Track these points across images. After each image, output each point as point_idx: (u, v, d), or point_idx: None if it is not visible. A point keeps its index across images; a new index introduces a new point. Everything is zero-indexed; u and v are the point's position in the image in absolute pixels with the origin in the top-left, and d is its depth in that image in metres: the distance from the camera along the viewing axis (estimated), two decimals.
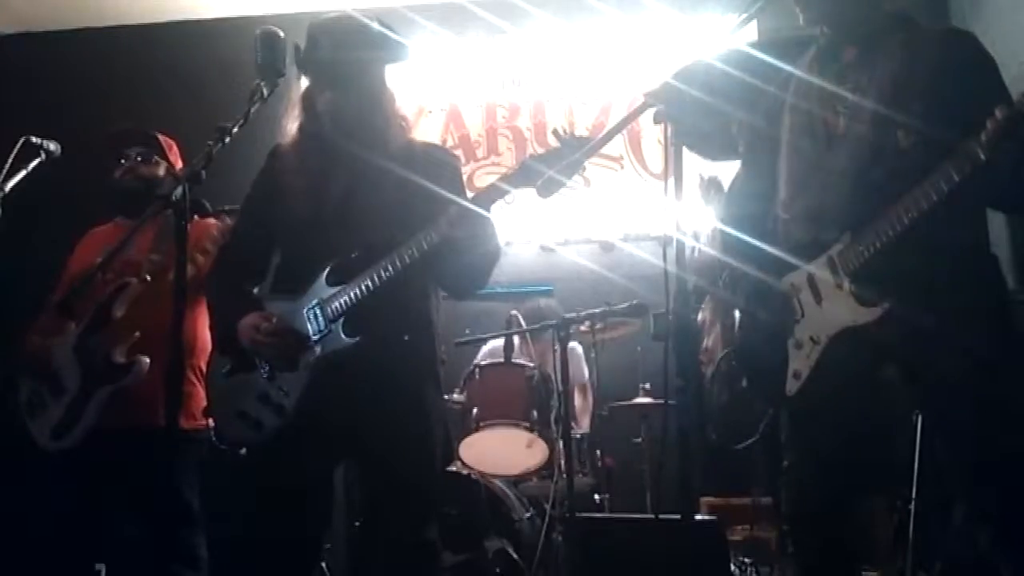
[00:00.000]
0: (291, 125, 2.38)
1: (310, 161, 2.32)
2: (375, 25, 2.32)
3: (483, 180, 5.03)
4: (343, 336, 2.21)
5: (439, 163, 2.39)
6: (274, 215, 2.36)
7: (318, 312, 2.24)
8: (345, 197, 2.28)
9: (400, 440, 2.21)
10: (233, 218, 2.63)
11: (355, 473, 2.36)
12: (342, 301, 2.21)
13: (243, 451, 2.34)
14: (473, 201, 2.17)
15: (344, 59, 2.29)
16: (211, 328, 2.46)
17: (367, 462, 2.31)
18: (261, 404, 2.27)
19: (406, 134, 2.42)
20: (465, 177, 2.84)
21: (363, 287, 2.19)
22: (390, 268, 2.17)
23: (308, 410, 2.22)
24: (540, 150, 2.27)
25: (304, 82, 2.37)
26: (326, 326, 2.23)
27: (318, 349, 2.24)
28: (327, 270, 2.25)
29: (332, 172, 2.30)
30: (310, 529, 2.30)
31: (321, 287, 2.25)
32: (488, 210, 2.17)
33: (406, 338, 2.27)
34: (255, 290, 2.42)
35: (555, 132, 2.14)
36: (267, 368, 2.28)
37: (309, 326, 2.24)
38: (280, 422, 2.24)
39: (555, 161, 2.06)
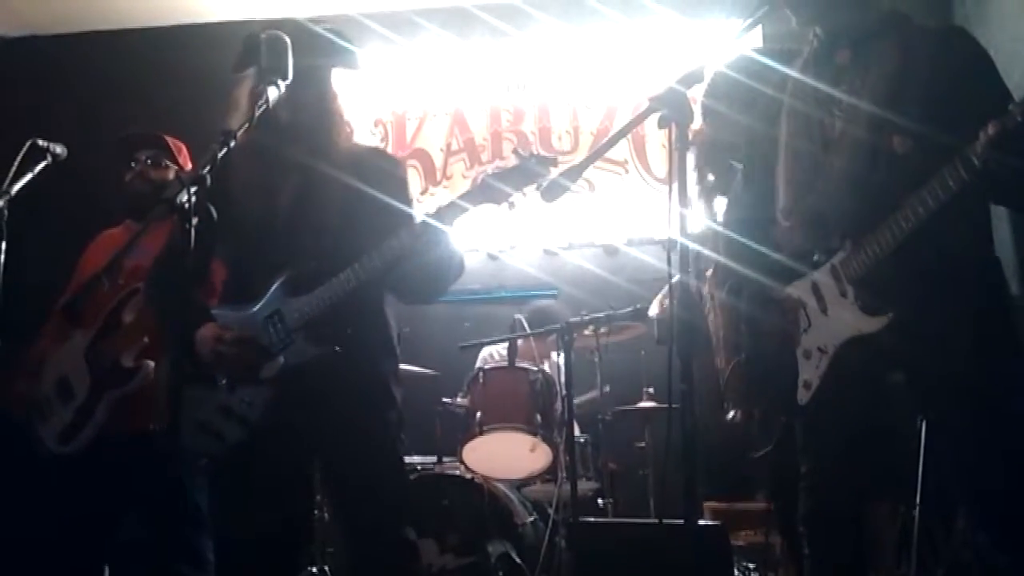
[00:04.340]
0: (238, 121, 2.25)
1: (258, 168, 2.28)
2: (321, 30, 2.30)
3: None
4: (308, 346, 2.19)
5: (384, 172, 2.38)
6: (222, 223, 2.31)
7: (278, 322, 2.21)
8: (294, 204, 2.26)
9: (363, 444, 2.21)
10: None
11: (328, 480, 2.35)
12: (304, 311, 2.19)
13: (204, 462, 2.29)
14: (434, 217, 2.18)
15: (290, 65, 2.20)
16: (161, 335, 2.39)
17: (334, 469, 2.29)
18: (223, 417, 2.22)
19: (351, 140, 2.41)
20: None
21: (327, 298, 2.17)
22: (353, 280, 2.16)
23: (274, 420, 2.20)
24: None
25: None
26: (288, 336, 2.20)
27: (281, 359, 2.20)
28: (283, 279, 2.22)
29: (280, 179, 2.28)
30: (288, 530, 2.27)
31: (277, 297, 2.22)
32: (449, 225, 2.17)
33: (348, 331, 2.23)
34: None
35: (514, 151, 2.18)
36: (225, 380, 2.23)
37: (269, 336, 2.21)
38: (244, 434, 2.21)
39: (512, 178, 2.12)
